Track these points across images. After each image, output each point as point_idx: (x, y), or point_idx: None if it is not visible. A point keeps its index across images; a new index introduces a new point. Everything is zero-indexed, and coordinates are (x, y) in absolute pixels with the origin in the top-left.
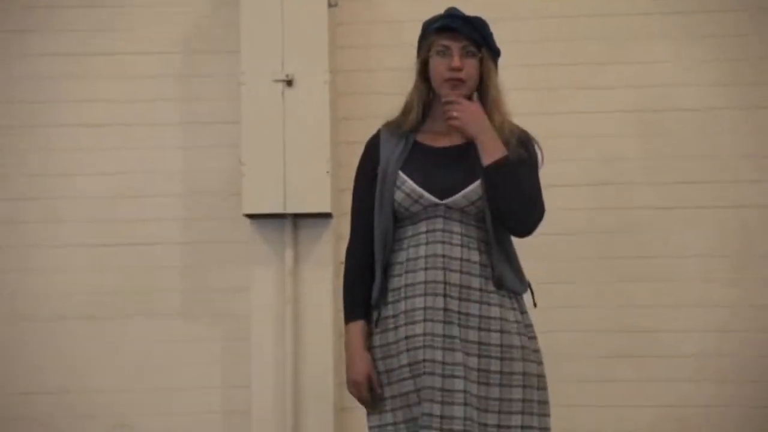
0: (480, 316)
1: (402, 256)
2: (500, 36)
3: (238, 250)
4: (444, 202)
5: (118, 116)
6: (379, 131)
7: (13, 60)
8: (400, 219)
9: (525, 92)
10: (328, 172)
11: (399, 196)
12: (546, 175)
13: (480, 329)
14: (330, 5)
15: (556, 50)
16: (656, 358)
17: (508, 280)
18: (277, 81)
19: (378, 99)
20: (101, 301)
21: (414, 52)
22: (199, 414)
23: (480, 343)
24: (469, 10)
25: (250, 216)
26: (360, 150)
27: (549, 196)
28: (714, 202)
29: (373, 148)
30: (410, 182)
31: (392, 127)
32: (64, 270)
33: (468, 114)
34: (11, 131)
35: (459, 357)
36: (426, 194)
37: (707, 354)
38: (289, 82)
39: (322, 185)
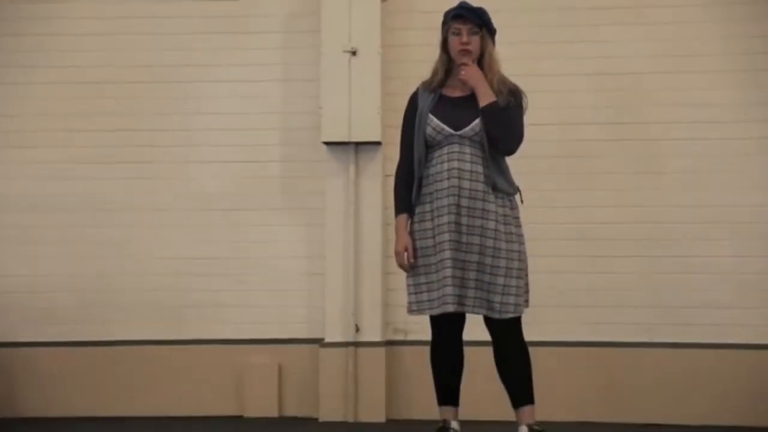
0: (483, 209)
1: (432, 170)
2: (497, 22)
3: (318, 166)
4: (458, 133)
5: (240, 75)
6: (417, 88)
7: (166, 37)
8: (430, 145)
9: (514, 61)
10: (378, 113)
11: (428, 129)
12: (528, 117)
13: (482, 218)
14: (382, 0)
15: (537, 32)
16: (599, 240)
17: (501, 185)
18: (345, 51)
19: (413, 65)
20: (228, 198)
21: (439, 33)
22: (290, 274)
23: (482, 228)
24: (474, 2)
25: (326, 143)
26: (400, 100)
27: (529, 132)
28: (641, 136)
29: (413, 99)
30: (436, 120)
31: (426, 84)
32: (206, 178)
33: (471, 72)
34: (178, 88)
35: (461, 237)
36: (446, 128)
37: (625, 231)
38: (354, 53)
39: (375, 122)
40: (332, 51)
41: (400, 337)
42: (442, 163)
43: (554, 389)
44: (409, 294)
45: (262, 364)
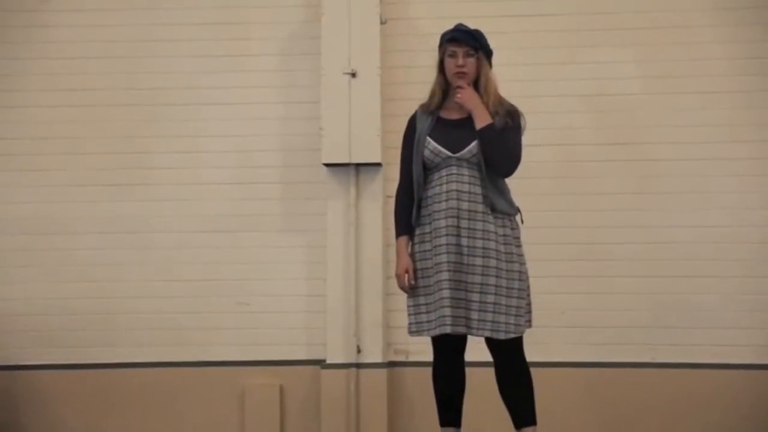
0: (483, 230)
1: (430, 192)
2: (495, 44)
3: (319, 187)
4: (455, 155)
5: (241, 97)
6: (416, 111)
7: (187, 59)
8: (428, 168)
9: (512, 82)
10: (378, 135)
11: (426, 152)
12: (526, 138)
13: (483, 239)
14: (381, 23)
15: (534, 54)
16: (600, 261)
17: (500, 206)
18: (345, 73)
19: (412, 87)
20: (228, 220)
21: (436, 55)
22: (291, 296)
23: (484, 248)
24: (471, 24)
25: (327, 164)
26: (399, 121)
27: (528, 153)
28: (639, 156)
29: (412, 122)
30: (434, 143)
31: (424, 107)
32: (206, 199)
33: (466, 95)
34: (179, 111)
35: (462, 258)
36: (443, 150)
37: (625, 251)
38: (354, 74)
39: (375, 144)
40: (332, 73)
41: (401, 358)
42: (441, 185)
43: (556, 410)
44: (409, 315)
45: (264, 385)
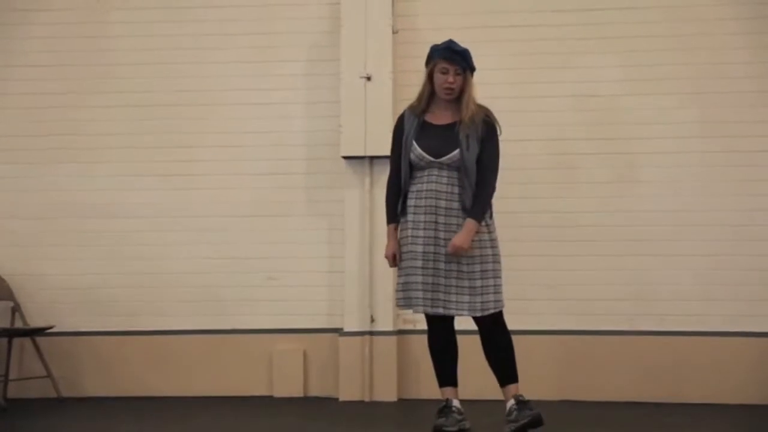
0: (458, 225)
1: (414, 188)
2: (489, 51)
3: (338, 177)
4: (437, 160)
5: (270, 98)
6: (404, 111)
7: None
8: (413, 168)
9: (505, 85)
10: (390, 131)
11: (412, 156)
12: (515, 134)
13: (457, 232)
14: (393, 33)
15: (528, 60)
16: (583, 242)
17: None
18: (361, 77)
19: (420, 89)
20: (260, 206)
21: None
22: (313, 272)
23: None
24: (465, 39)
25: (345, 157)
26: None
27: (516, 148)
28: (617, 150)
29: (400, 121)
30: (419, 149)
31: (412, 108)
32: (241, 188)
33: (458, 250)
34: (217, 111)
35: (439, 249)
36: (426, 156)
37: (605, 233)
38: (369, 78)
39: (387, 138)
40: (350, 77)
41: (409, 327)
42: (422, 183)
43: (544, 372)
44: (397, 291)
45: (290, 350)
